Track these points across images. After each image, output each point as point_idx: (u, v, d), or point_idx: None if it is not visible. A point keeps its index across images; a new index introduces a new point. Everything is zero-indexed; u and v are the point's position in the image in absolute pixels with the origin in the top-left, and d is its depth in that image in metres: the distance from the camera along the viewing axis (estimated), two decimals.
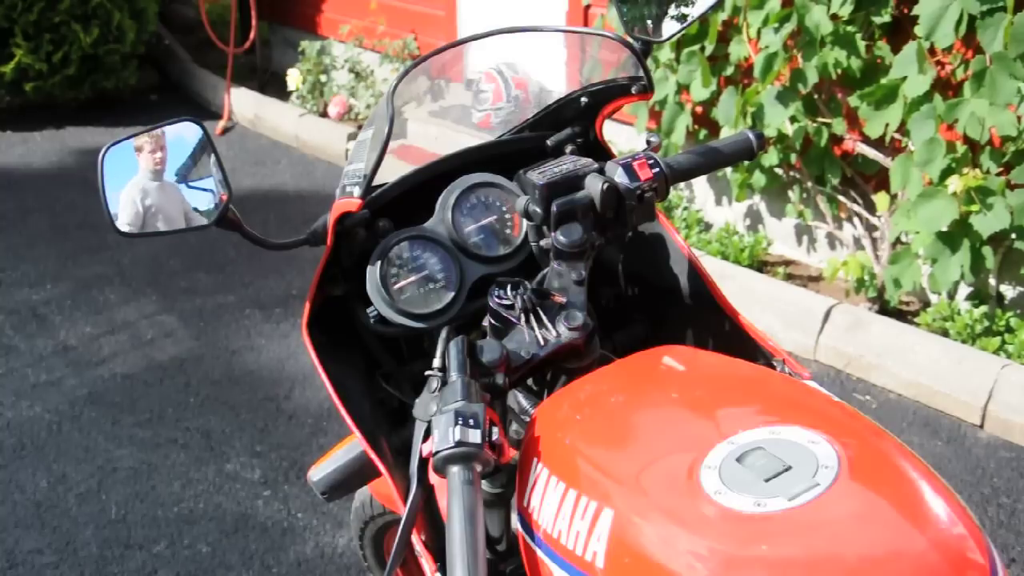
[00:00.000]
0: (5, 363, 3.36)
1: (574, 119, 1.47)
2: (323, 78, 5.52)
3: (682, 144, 3.88)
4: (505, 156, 1.43)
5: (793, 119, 3.47)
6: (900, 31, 3.25)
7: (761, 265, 3.84)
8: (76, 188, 4.81)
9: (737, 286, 3.45)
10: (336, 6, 5.78)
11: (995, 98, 2.90)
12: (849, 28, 3.25)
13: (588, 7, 4.33)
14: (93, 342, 3.50)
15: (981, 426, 2.93)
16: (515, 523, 1.19)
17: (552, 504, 1.05)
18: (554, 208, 1.28)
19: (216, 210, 1.24)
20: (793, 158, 3.60)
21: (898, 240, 3.42)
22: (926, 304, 3.50)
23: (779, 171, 3.71)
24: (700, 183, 4.21)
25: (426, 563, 1.30)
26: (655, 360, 1.23)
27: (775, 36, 3.37)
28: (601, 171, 1.32)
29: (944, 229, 3.09)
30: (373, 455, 1.24)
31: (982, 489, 2.69)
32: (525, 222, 1.35)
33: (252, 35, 5.85)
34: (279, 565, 2.45)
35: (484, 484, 1.27)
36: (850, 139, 3.46)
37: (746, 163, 3.68)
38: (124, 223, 1.24)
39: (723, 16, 3.65)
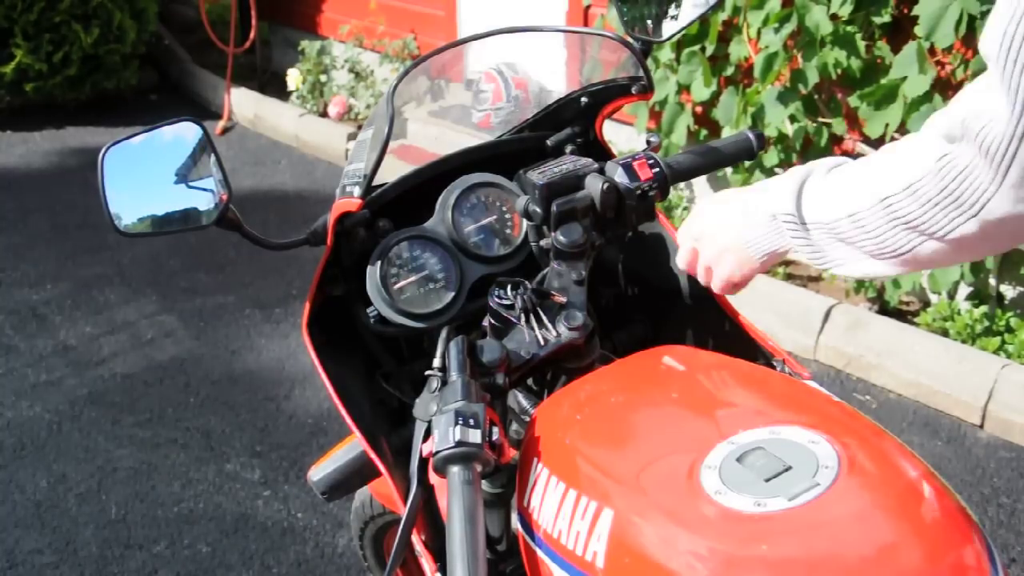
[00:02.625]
0: (5, 363, 3.36)
1: (574, 119, 1.47)
2: (323, 78, 5.52)
3: (682, 144, 3.88)
4: (505, 156, 1.43)
5: (793, 119, 3.47)
6: (900, 31, 3.25)
7: None
8: (76, 188, 4.81)
9: None
10: (336, 6, 5.78)
11: None
12: (849, 28, 3.25)
13: (588, 7, 4.33)
14: (93, 342, 3.50)
15: (981, 426, 2.93)
16: (515, 523, 1.19)
17: (552, 504, 1.05)
18: (554, 208, 1.28)
19: (216, 210, 1.24)
20: (793, 158, 3.60)
21: None
22: (926, 304, 3.50)
23: (779, 171, 3.70)
24: (700, 183, 4.21)
25: (426, 563, 1.30)
26: (655, 360, 1.23)
27: (775, 36, 3.37)
28: (601, 171, 1.32)
29: None
30: (373, 455, 1.24)
31: (982, 489, 2.69)
32: (525, 222, 1.35)
33: (252, 35, 5.85)
34: (279, 565, 2.45)
35: (484, 484, 1.27)
36: (850, 139, 3.46)
37: (746, 163, 3.68)
38: (124, 223, 1.24)
39: (723, 16, 3.65)
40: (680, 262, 1.25)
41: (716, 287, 1.21)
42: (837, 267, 1.04)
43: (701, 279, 1.23)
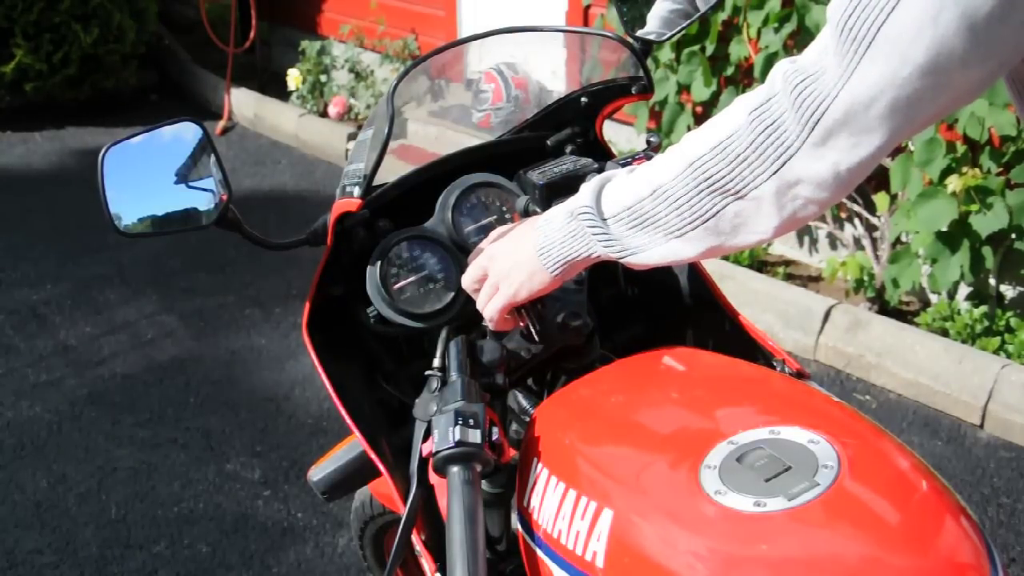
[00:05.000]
0: (5, 363, 3.36)
1: (574, 119, 1.47)
2: (323, 78, 5.52)
3: None
4: (505, 156, 1.43)
5: None
6: None
7: (761, 265, 3.84)
8: (76, 188, 4.81)
9: (737, 286, 3.45)
10: (336, 6, 5.78)
11: (995, 98, 2.90)
12: None
13: (588, 7, 4.33)
14: (93, 342, 3.50)
15: (981, 426, 2.93)
16: (515, 523, 1.19)
17: (552, 504, 1.05)
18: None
19: (216, 210, 1.24)
20: None
21: (898, 240, 3.42)
22: (926, 304, 3.50)
23: None
24: None
25: (426, 563, 1.30)
26: (655, 360, 1.23)
27: (775, 36, 3.37)
28: (601, 171, 1.32)
29: (944, 229, 3.09)
30: (373, 455, 1.24)
31: (982, 489, 2.69)
32: None
33: (252, 35, 5.85)
34: (279, 565, 2.45)
35: (484, 484, 1.27)
36: None
37: None
38: (124, 223, 1.24)
39: (723, 16, 3.65)
40: (466, 282, 1.18)
41: (492, 309, 1.14)
42: (635, 255, 1.02)
43: (481, 305, 1.16)
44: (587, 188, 1.06)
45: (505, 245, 1.14)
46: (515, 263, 1.11)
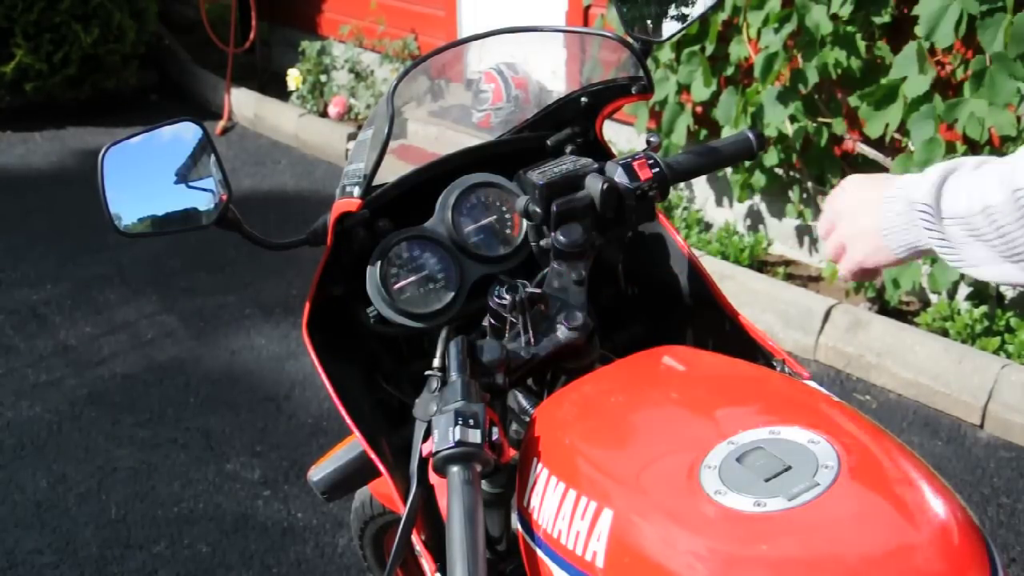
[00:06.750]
0: (5, 363, 3.36)
1: (574, 119, 1.47)
2: (323, 78, 5.52)
3: (682, 144, 3.88)
4: (505, 156, 1.43)
5: (793, 119, 3.47)
6: (900, 31, 3.25)
7: (761, 265, 3.84)
8: (76, 188, 4.81)
9: (737, 286, 3.45)
10: (336, 6, 5.78)
11: (995, 98, 2.90)
12: (849, 28, 3.25)
13: (588, 7, 4.33)
14: (93, 342, 3.50)
15: (981, 426, 2.93)
16: (515, 523, 1.19)
17: (552, 504, 1.05)
18: (554, 208, 1.28)
19: (216, 210, 1.24)
20: (793, 158, 3.60)
21: None
22: (926, 304, 3.50)
23: (779, 171, 3.71)
24: (700, 183, 4.21)
25: (426, 563, 1.30)
26: (655, 360, 1.23)
27: (775, 36, 3.37)
28: (601, 171, 1.32)
29: None
30: (373, 455, 1.25)
31: (982, 489, 2.69)
32: (525, 222, 1.35)
33: (252, 35, 5.85)
34: (279, 565, 2.45)
35: (484, 484, 1.27)
36: (850, 139, 3.46)
37: (746, 163, 3.68)
38: (124, 223, 1.24)
39: (723, 16, 3.65)
40: (819, 230, 1.17)
41: (844, 268, 1.13)
42: (972, 268, 0.97)
43: (830, 255, 1.16)
44: (927, 181, 0.99)
45: (851, 205, 1.10)
46: (860, 231, 1.08)
